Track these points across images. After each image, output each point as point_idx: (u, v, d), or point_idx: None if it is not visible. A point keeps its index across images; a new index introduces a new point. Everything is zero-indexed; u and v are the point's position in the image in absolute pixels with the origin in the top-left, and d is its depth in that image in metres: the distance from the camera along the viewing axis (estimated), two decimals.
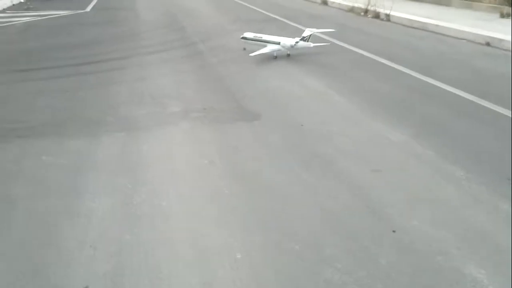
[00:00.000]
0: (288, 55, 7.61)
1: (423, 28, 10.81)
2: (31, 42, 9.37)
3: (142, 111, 5.20)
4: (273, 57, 7.56)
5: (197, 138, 4.44)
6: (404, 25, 11.39)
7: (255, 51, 7.35)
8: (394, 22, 11.85)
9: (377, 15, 12.63)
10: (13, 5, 15.42)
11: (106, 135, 4.48)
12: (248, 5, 15.88)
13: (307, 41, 7.42)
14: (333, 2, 15.56)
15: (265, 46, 7.46)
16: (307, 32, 7.47)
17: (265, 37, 7.75)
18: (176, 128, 4.68)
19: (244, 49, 7.89)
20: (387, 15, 12.20)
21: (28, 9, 14.38)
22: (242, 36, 8.06)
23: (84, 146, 4.22)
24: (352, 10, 13.91)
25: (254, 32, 8.21)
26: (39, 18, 12.63)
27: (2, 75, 6.91)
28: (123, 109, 5.27)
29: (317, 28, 8.26)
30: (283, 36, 7.88)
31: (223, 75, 6.86)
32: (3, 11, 13.88)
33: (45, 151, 4.09)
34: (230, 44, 8.88)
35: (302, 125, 4.71)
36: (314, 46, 7.59)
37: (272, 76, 6.73)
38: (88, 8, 14.90)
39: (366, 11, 13.12)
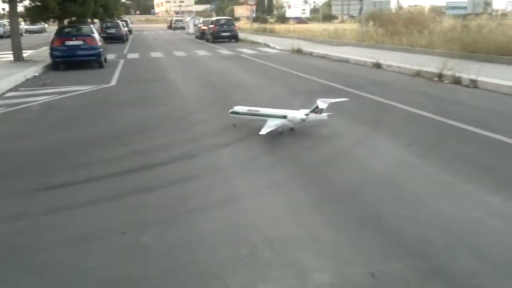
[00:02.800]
0: (292, 129, 6.62)
1: None
2: (52, 134, 7.32)
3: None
4: (278, 133, 6.41)
5: None
6: (503, 93, 9.36)
7: (264, 128, 6.18)
8: (485, 89, 9.83)
9: (457, 81, 10.63)
10: (27, 80, 13.56)
11: None
12: (295, 72, 14.08)
13: (320, 113, 6.38)
14: (390, 66, 13.67)
15: (264, 120, 6.47)
16: (320, 104, 6.41)
17: (263, 110, 6.79)
18: None
19: (234, 125, 6.98)
20: (473, 81, 10.18)
21: (44, 85, 12.51)
22: (232, 110, 7.01)
23: None
24: (418, 74, 11.97)
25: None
26: (59, 96, 10.69)
27: (16, 198, 4.72)
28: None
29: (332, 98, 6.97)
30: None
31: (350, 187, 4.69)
32: (16, 88, 11.95)
33: None
34: (316, 130, 6.82)
35: None
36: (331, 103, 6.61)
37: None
38: (113, 82, 13.01)
39: (440, 76, 11.13)
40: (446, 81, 10.96)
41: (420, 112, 7.83)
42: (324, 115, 6.46)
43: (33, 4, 21.56)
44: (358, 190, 4.58)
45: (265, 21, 66.02)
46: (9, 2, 17.22)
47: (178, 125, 7.69)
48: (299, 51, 20.88)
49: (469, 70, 10.55)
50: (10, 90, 11.75)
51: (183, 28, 61.56)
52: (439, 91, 10.05)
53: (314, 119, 6.48)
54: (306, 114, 6.44)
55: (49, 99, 10.39)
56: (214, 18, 34.58)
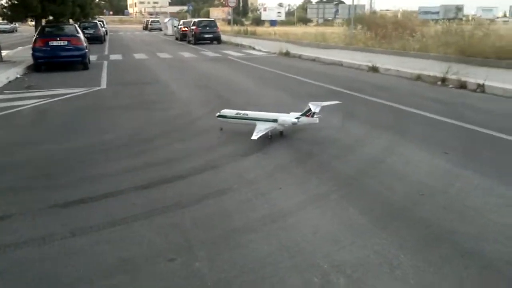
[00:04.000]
0: (281, 133, 6.50)
1: None
2: (53, 143, 6.76)
3: None
4: (268, 137, 6.23)
5: None
6: None
7: (255, 133, 6.03)
8: (493, 94, 9.67)
9: (462, 85, 10.45)
10: (10, 82, 12.85)
11: None
12: (291, 75, 13.76)
13: (312, 116, 6.28)
14: (388, 69, 13.46)
15: (253, 124, 6.32)
16: (312, 107, 6.27)
17: (252, 114, 6.69)
18: None
19: (221, 129, 6.84)
20: (480, 85, 10.00)
21: (29, 88, 11.86)
22: (218, 114, 6.86)
23: None
24: (419, 78, 11.77)
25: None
26: (49, 100, 10.08)
27: (35, 216, 4.22)
28: None
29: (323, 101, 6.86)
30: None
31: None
32: (0, 91, 11.22)
33: None
34: (338, 136, 6.47)
35: None
36: (322, 107, 6.49)
37: None
38: (103, 84, 12.43)
39: (443, 80, 10.94)
40: (451, 86, 10.77)
41: (439, 118, 7.59)
42: (316, 118, 6.34)
43: (11, 2, 20.62)
44: (412, 204, 4.24)
45: (241, 23, 65.55)
46: None
47: (187, 132, 7.23)
48: (287, 54, 20.57)
49: (474, 75, 10.40)
50: None
51: (160, 29, 60.85)
52: (448, 95, 9.84)
53: (306, 122, 6.36)
54: (297, 118, 6.30)
55: (40, 103, 9.78)
56: (196, 20, 33.94)
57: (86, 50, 15.96)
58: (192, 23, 33.07)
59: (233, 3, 41.90)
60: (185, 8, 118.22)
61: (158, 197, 4.59)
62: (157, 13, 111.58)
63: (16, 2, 21.04)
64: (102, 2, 73.37)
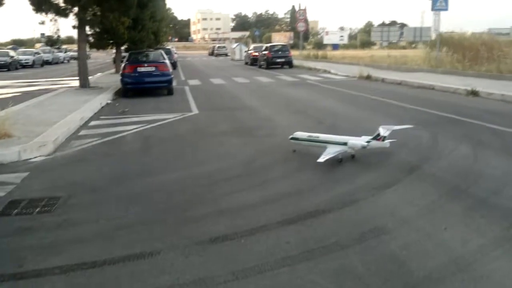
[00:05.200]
0: (353, 156, 6.47)
1: None
2: (169, 171, 6.58)
3: None
4: (338, 161, 6.29)
5: None
6: None
7: (322, 155, 6.10)
8: None
9: None
10: (102, 107, 13.01)
11: None
12: (385, 100, 13.20)
13: (383, 141, 6.29)
14: (490, 94, 12.60)
15: (323, 147, 6.43)
16: (381, 131, 6.37)
17: (323, 136, 6.80)
18: None
19: (294, 151, 6.97)
20: None
21: (123, 113, 11.90)
22: (291, 136, 7.04)
23: None
24: None
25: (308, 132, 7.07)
26: (148, 126, 10.02)
27: (189, 254, 3.96)
28: None
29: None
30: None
31: None
32: (96, 116, 11.36)
33: None
34: (479, 167, 5.86)
35: None
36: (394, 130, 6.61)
37: None
38: (194, 109, 12.35)
39: None
40: None
41: None
42: (387, 142, 6.34)
43: (96, 30, 21.36)
44: None
45: (303, 47, 65.51)
46: (78, 28, 16.92)
47: (305, 161, 6.79)
48: (368, 77, 20.00)
49: None
50: (91, 118, 11.18)
51: (226, 54, 61.89)
52: None
53: (376, 146, 6.35)
54: (368, 141, 6.31)
55: (139, 129, 9.73)
56: (268, 44, 34.03)
57: (172, 76, 16.09)
58: (264, 48, 33.14)
59: (302, 27, 41.89)
60: (247, 33, 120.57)
61: (310, 234, 4.17)
62: (221, 39, 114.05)
63: (98, 30, 21.70)
64: (169, 30, 76.04)
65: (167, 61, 16.44)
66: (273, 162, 6.78)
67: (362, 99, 13.92)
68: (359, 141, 6.39)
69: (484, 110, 10.63)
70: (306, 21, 67.70)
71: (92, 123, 10.66)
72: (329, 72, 24.72)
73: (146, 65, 15.74)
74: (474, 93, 13.08)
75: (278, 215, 4.66)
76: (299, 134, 7.01)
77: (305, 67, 29.34)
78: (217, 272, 3.55)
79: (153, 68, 15.65)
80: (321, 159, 6.01)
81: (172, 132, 9.44)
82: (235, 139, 8.59)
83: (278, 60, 30.54)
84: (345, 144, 6.39)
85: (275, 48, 31.66)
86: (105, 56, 55.49)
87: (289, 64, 30.55)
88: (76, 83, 18.23)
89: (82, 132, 9.46)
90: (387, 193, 5.23)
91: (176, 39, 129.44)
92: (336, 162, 6.34)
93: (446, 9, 20.48)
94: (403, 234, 4.10)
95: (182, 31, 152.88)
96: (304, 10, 40.33)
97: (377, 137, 6.34)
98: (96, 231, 4.43)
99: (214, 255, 3.87)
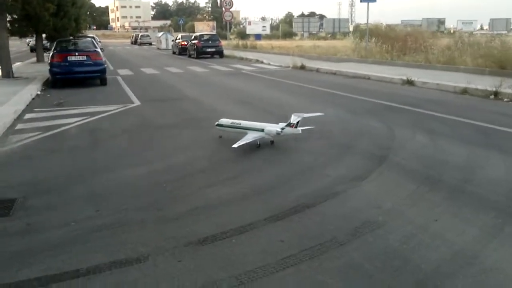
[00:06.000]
0: (272, 142, 6.83)
1: None
2: (123, 168, 6.16)
3: None
4: (256, 146, 6.66)
5: None
6: None
7: (238, 141, 6.42)
8: None
9: None
10: (33, 99, 12.10)
11: None
12: (328, 90, 13.36)
13: (296, 127, 6.61)
14: (425, 83, 13.18)
15: (244, 133, 6.74)
16: (294, 118, 6.66)
17: (244, 123, 7.06)
18: None
19: (220, 137, 7.26)
20: None
21: (60, 105, 11.14)
22: (217, 123, 7.29)
23: None
24: (466, 92, 11.46)
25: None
26: (90, 118, 9.44)
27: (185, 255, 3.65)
28: None
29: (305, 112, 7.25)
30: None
31: None
32: (30, 109, 10.53)
33: None
34: (442, 156, 6.00)
35: None
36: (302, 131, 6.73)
37: None
38: (136, 101, 11.80)
39: (495, 94, 10.61)
40: (506, 99, 10.42)
41: None
42: (298, 129, 6.61)
43: (17, 17, 19.81)
44: None
45: (230, 38, 65.20)
46: None
47: (274, 153, 6.64)
48: (302, 67, 20.18)
49: None
50: (25, 111, 10.36)
51: (150, 43, 60.29)
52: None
53: (290, 132, 6.63)
54: (282, 128, 6.60)
55: (82, 122, 9.14)
56: (197, 34, 33.47)
57: (105, 65, 15.32)
58: (193, 37, 32.54)
59: (229, 17, 41.53)
60: (168, 22, 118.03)
61: (302, 232, 4.04)
62: (142, 28, 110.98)
63: (17, 16, 20.14)
64: (87, 17, 72.53)
65: (99, 50, 15.59)
66: (235, 155, 6.54)
67: (302, 89, 13.99)
68: (275, 127, 6.67)
69: (424, 99, 10.99)
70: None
71: (27, 116, 9.86)
72: (262, 62, 24.71)
73: (77, 54, 14.84)
74: (409, 82, 13.55)
75: (261, 212, 4.47)
76: (224, 120, 7.22)
77: (236, 57, 29.14)
78: (218, 277, 3.31)
79: (84, 57, 14.79)
80: (236, 145, 6.29)
81: (118, 125, 8.95)
82: (186, 131, 8.30)
83: (209, 49, 30.12)
84: (262, 130, 6.71)
85: (205, 38, 31.16)
86: (20, 44, 51.99)
87: (219, 54, 30.20)
88: None
89: (19, 126, 8.71)
90: (364, 185, 5.19)
91: (95, 27, 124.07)
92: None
93: (374, 1, 21.04)
94: (396, 227, 4.06)
95: (100, 18, 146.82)
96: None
97: (290, 124, 6.59)
98: (69, 235, 4.01)
99: (208, 257, 3.62)
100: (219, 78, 17.86)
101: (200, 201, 4.77)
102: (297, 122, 6.62)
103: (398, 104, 10.28)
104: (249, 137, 6.57)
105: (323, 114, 8.10)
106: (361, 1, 20.94)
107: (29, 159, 6.64)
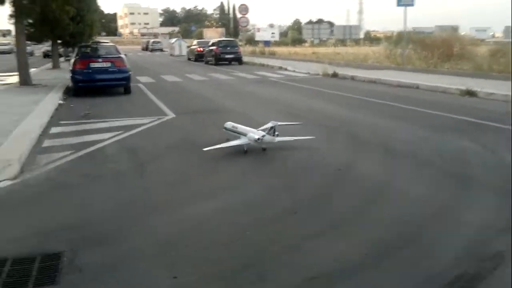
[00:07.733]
0: (264, 149, 6.59)
1: None
2: (189, 204, 4.87)
3: None
4: (243, 151, 6.47)
5: None
6: None
7: (219, 145, 6.50)
8: None
9: None
10: (56, 110, 10.88)
11: None
12: (380, 101, 12.00)
13: (272, 135, 6.51)
14: (491, 94, 11.84)
15: (238, 137, 6.70)
16: (269, 124, 6.64)
17: (240, 128, 6.94)
18: None
19: (228, 139, 6.91)
20: None
21: (86, 117, 9.93)
22: (225, 126, 7.20)
23: None
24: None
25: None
26: (124, 133, 8.24)
27: None
28: None
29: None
30: None
31: None
32: (55, 121, 9.29)
33: None
34: None
35: None
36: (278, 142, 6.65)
37: None
38: (169, 112, 10.55)
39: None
40: None
41: None
42: (274, 137, 6.55)
43: (31, 21, 18.63)
44: None
45: (245, 44, 64.16)
46: (15, 17, 14.45)
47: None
48: (335, 75, 18.89)
49: None
50: (50, 124, 9.13)
51: (161, 50, 59.40)
52: None
53: (269, 140, 6.52)
54: (263, 135, 6.46)
55: (116, 138, 7.92)
56: (215, 40, 32.23)
57: (130, 73, 14.09)
58: (210, 43, 31.37)
59: (245, 23, 40.48)
60: (176, 29, 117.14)
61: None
62: (152, 34, 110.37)
63: (32, 21, 18.99)
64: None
65: (123, 56, 14.37)
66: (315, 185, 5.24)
67: (350, 100, 12.68)
68: (255, 134, 6.51)
69: (493, 112, 9.75)
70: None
71: (53, 130, 8.64)
72: (286, 69, 23.47)
73: (100, 60, 13.65)
74: (470, 93, 12.21)
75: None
76: (228, 124, 7.22)
77: (257, 64, 27.93)
78: None
79: (108, 64, 13.60)
80: (206, 148, 6.37)
81: (160, 142, 7.72)
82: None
83: (227, 56, 28.90)
84: (245, 135, 6.61)
85: (223, 44, 29.92)
86: (31, 49, 50.98)
87: (238, 60, 28.99)
88: (13, 79, 15.74)
89: (46, 143, 7.50)
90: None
91: (104, 34, 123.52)
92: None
93: (412, 5, 19.73)
94: None
95: (109, 25, 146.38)
96: (246, 5, 38.74)
97: (269, 132, 6.52)
98: None
99: None
100: (249, 86, 16.60)
101: (317, 262, 3.46)
102: (273, 129, 6.52)
103: (479, 120, 8.94)
104: (235, 142, 6.60)
105: (301, 123, 8.23)
106: (397, 5, 19.61)
107: (66, 188, 5.39)
